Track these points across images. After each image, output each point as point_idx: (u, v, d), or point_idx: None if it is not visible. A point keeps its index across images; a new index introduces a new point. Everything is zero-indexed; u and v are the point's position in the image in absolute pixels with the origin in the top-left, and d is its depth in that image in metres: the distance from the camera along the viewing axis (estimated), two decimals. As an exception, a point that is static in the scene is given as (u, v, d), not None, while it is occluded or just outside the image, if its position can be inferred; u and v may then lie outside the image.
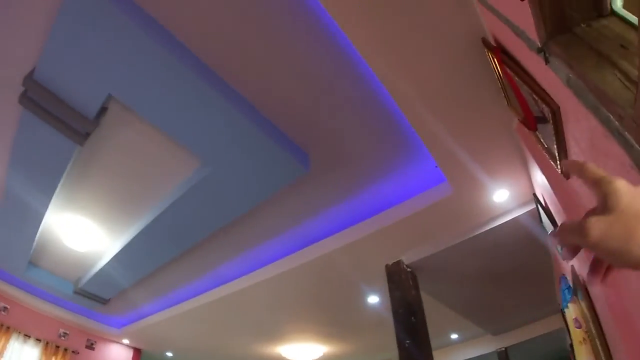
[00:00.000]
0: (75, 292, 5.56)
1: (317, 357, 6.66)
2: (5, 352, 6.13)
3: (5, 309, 6.39)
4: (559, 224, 1.78)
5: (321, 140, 2.92)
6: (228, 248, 4.11)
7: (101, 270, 4.63)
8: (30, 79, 2.55)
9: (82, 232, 4.19)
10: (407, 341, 3.14)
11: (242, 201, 3.21)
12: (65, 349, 6.65)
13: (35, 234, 4.30)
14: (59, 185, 3.49)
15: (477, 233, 3.32)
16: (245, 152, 2.76)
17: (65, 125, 2.78)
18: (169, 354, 7.46)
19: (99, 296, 5.57)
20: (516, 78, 1.47)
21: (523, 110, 1.62)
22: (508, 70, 1.52)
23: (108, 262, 4.40)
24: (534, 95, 1.35)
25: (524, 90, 1.47)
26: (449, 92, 2.24)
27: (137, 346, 7.39)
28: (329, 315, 5.23)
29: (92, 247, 4.48)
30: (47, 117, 2.74)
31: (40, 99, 2.66)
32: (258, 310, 5.05)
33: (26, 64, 2.59)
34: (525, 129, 1.84)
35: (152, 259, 4.24)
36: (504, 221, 3.18)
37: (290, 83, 2.55)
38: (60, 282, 5.85)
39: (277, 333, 5.86)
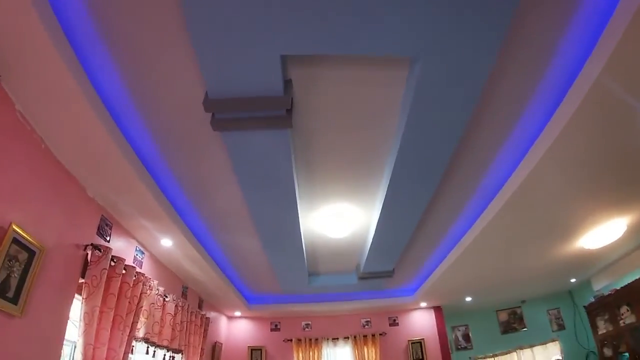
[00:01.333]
0: (360, 279, 5.61)
1: (620, 234, 5.27)
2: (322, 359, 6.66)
3: (308, 325, 6.97)
4: None
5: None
6: (481, 152, 3.37)
7: (373, 245, 4.49)
8: (208, 102, 2.38)
9: (337, 219, 4.09)
10: None
11: (474, 72, 2.40)
12: (373, 335, 6.91)
13: (302, 247, 4.38)
14: (296, 187, 3.36)
15: None
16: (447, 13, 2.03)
17: (265, 119, 2.52)
18: (468, 299, 7.12)
19: (383, 271, 5.50)
20: None
21: None
22: None
23: (375, 233, 4.21)
24: None
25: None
26: None
27: (436, 304, 7.26)
28: (629, 166, 3.90)
29: (353, 227, 4.36)
30: (244, 124, 2.53)
31: (228, 112, 2.45)
32: (543, 204, 4.10)
33: (196, 91, 2.49)
34: None
35: (413, 209, 3.89)
36: None
37: None
38: (343, 277, 6.03)
39: (570, 224, 4.82)
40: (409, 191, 3.60)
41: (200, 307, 5.76)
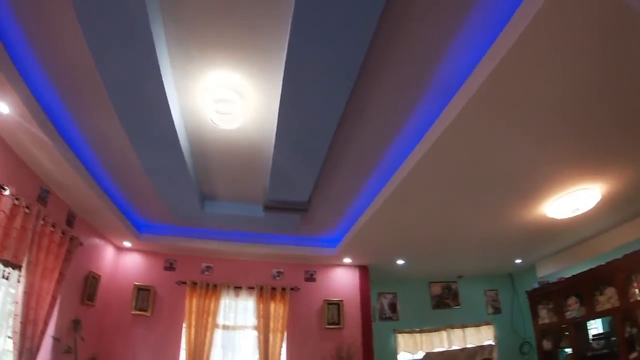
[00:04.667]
0: (266, 208, 4.49)
1: (593, 204, 4.41)
2: (219, 310, 5.65)
3: (209, 268, 5.90)
4: None
5: None
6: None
7: (277, 150, 3.36)
8: None
9: (224, 100, 2.92)
10: None
11: None
12: (283, 289, 5.91)
13: (176, 136, 3.23)
14: (159, 41, 2.18)
15: None
16: None
17: None
18: (400, 262, 6.14)
19: (296, 203, 4.41)
20: None
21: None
22: None
23: (277, 131, 3.09)
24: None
25: None
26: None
27: (362, 263, 6.27)
28: (603, 123, 3.01)
29: (249, 116, 3.21)
30: None
31: None
32: (479, 151, 3.21)
33: None
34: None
35: (327, 107, 2.82)
36: None
37: None
38: (247, 207, 4.93)
39: (518, 181, 3.90)
40: (316, 74, 2.46)
41: (70, 224, 4.50)
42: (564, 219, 4.68)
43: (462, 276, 7.41)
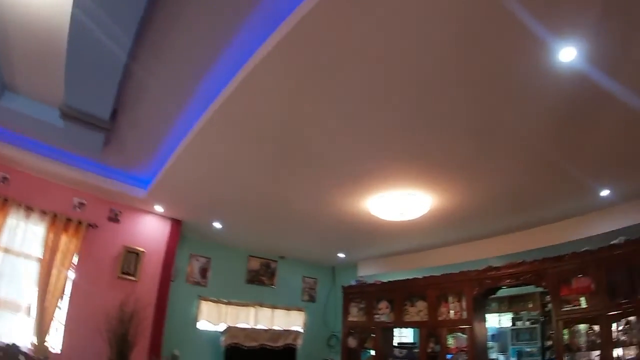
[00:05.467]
0: (65, 116, 3.44)
1: (420, 212, 4.32)
2: (3, 230, 4.41)
3: (5, 179, 4.57)
4: None
5: None
6: None
7: (69, 55, 2.40)
8: None
9: None
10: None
11: None
12: (80, 222, 4.85)
13: None
14: None
15: None
16: None
17: None
18: (217, 225, 5.52)
19: (96, 117, 3.43)
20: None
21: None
22: None
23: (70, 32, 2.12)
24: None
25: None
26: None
27: (176, 216, 5.49)
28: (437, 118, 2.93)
29: None
30: None
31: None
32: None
33: None
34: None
35: None
36: None
37: None
38: (44, 109, 3.79)
39: (349, 174, 3.66)
40: None
41: None
42: (392, 222, 4.53)
43: (284, 257, 7.06)
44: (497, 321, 6.67)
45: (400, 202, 3.97)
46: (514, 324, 6.45)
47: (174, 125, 3.56)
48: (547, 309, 6.92)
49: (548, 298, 7.17)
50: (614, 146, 3.10)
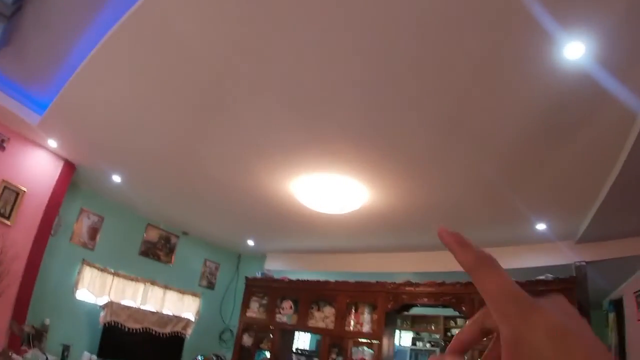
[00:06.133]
0: None
1: (348, 206, 3.94)
2: None
3: None
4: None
5: None
6: None
7: None
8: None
9: None
10: None
11: None
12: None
13: None
14: None
15: None
16: None
17: None
18: (116, 179, 4.69)
19: None
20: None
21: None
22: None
23: None
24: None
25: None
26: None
27: (69, 158, 4.58)
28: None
29: None
30: None
31: None
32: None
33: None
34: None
35: None
36: None
37: None
38: None
39: (268, 143, 3.20)
40: None
41: None
42: (317, 214, 4.06)
43: (187, 233, 6.29)
44: (397, 339, 6.49)
45: (330, 190, 3.50)
46: (414, 344, 6.30)
47: (86, 32, 2.77)
48: (449, 333, 6.94)
49: (452, 323, 7.27)
50: (568, 179, 2.92)
